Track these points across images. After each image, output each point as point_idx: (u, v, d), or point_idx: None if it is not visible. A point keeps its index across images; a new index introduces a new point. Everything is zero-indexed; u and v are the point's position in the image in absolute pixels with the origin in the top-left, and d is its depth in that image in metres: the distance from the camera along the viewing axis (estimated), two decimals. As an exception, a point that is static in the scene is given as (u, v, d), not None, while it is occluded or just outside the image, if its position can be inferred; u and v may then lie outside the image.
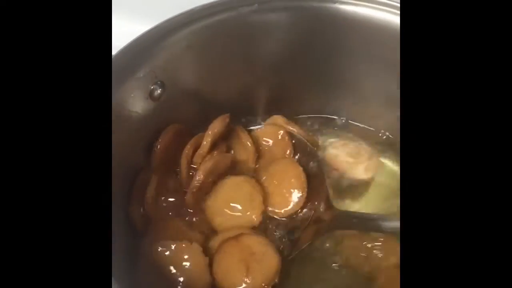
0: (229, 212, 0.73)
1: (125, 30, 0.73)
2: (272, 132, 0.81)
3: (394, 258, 0.70)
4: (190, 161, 0.74)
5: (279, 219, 0.75)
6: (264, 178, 0.77)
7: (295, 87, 0.83)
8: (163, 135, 0.73)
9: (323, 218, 0.73)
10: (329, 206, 0.73)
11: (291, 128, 0.81)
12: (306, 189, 0.74)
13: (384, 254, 0.71)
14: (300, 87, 0.84)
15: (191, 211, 0.74)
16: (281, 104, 0.86)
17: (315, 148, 0.82)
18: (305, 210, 0.75)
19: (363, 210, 0.79)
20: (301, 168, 0.75)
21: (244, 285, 0.64)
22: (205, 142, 0.73)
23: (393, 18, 0.71)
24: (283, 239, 0.73)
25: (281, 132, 0.80)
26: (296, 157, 0.80)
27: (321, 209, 0.74)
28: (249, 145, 0.78)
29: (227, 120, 0.75)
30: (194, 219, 0.74)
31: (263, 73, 0.81)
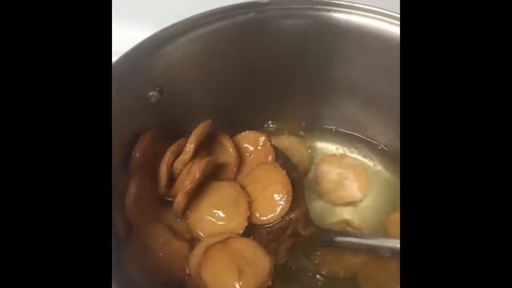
0: (213, 219, 0.71)
1: (125, 37, 0.76)
2: (253, 139, 0.81)
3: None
4: (170, 168, 0.72)
5: (264, 225, 0.73)
6: (247, 184, 0.76)
7: (290, 94, 0.84)
8: (141, 140, 0.71)
9: (301, 233, 0.73)
10: (308, 222, 0.74)
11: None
12: (291, 193, 0.73)
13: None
14: (295, 94, 0.85)
15: (176, 217, 0.72)
16: (276, 111, 0.89)
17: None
18: (290, 216, 0.74)
19: (355, 219, 0.81)
20: (284, 172, 0.74)
21: None
22: (188, 148, 0.71)
23: (386, 26, 0.74)
24: (269, 246, 0.71)
25: (263, 138, 0.80)
26: (278, 162, 0.78)
27: (299, 226, 0.73)
28: (231, 150, 0.77)
29: (209, 125, 0.74)
30: (177, 227, 0.71)
31: (259, 80, 0.82)
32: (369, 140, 0.92)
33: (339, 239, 0.72)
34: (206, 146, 0.75)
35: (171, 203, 0.72)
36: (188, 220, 0.71)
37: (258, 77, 0.81)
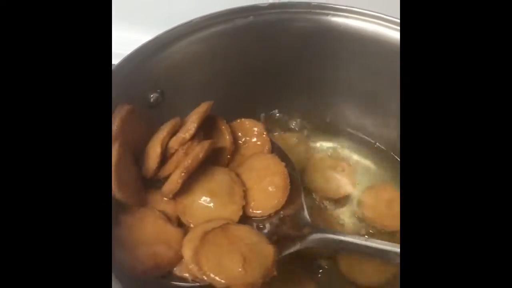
0: (205, 205, 0.67)
1: (126, 39, 0.77)
2: (249, 127, 0.78)
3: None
4: (165, 147, 0.67)
5: (257, 217, 0.70)
6: (242, 172, 0.73)
7: (289, 95, 0.85)
8: (116, 114, 0.66)
9: (295, 231, 0.70)
10: (304, 220, 0.71)
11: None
12: (289, 187, 0.70)
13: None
14: (294, 95, 0.85)
15: (166, 200, 0.67)
16: (275, 111, 0.89)
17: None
18: (285, 211, 0.71)
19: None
20: (283, 164, 0.72)
21: (242, 278, 0.58)
22: (190, 127, 0.67)
23: (384, 30, 0.77)
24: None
25: (259, 127, 0.77)
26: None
27: (294, 223, 0.70)
28: (228, 135, 0.73)
29: (211, 107, 0.71)
30: (167, 210, 0.67)
31: (259, 82, 0.83)
32: (367, 138, 0.93)
33: (338, 239, 0.68)
34: (201, 128, 0.71)
35: (157, 185, 0.68)
36: (178, 205, 0.67)
37: (257, 79, 0.82)
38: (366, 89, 0.83)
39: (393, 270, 0.72)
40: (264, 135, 0.77)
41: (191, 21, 0.76)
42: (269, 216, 0.69)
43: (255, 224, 0.68)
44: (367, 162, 0.91)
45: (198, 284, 0.60)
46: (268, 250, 0.61)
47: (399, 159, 0.89)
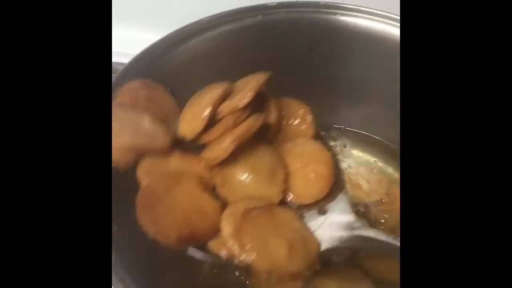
0: (246, 182, 0.62)
1: (136, 39, 0.77)
2: (294, 108, 0.73)
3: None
4: (214, 112, 0.63)
5: (295, 205, 0.65)
6: (285, 155, 0.68)
7: (297, 95, 0.84)
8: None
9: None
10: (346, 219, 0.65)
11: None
12: (333, 179, 0.66)
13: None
14: (302, 95, 0.85)
15: (204, 167, 0.62)
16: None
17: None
18: (323, 202, 0.66)
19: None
20: (330, 154, 0.68)
21: (286, 264, 0.54)
22: (247, 95, 0.62)
23: (392, 30, 0.77)
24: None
25: (304, 110, 0.73)
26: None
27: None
28: (275, 112, 0.69)
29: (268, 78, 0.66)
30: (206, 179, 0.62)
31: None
32: (375, 137, 0.93)
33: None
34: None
35: (194, 152, 0.64)
36: (216, 175, 0.62)
37: None
38: (375, 88, 0.82)
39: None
40: (309, 119, 0.73)
41: (200, 21, 0.76)
42: (308, 205, 0.65)
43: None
44: (374, 160, 0.90)
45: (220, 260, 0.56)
46: (313, 242, 0.58)
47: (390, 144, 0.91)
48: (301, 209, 0.65)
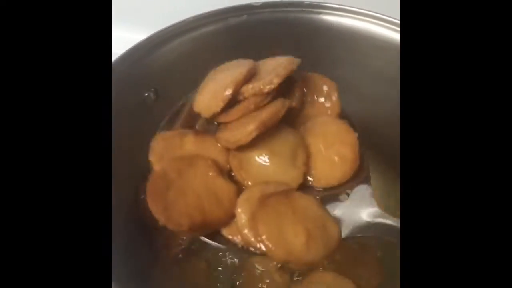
0: (264, 164, 0.59)
1: (120, 39, 0.76)
2: (319, 84, 0.69)
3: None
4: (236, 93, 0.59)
5: (316, 188, 0.62)
6: (306, 136, 0.64)
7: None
8: None
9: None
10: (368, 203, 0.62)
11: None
12: (358, 161, 0.62)
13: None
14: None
15: (219, 149, 0.60)
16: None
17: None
18: (346, 186, 0.62)
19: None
20: (356, 134, 0.64)
21: (304, 254, 0.52)
22: (274, 80, 0.58)
23: (376, 28, 0.78)
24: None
25: (330, 87, 0.68)
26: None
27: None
28: (298, 92, 0.65)
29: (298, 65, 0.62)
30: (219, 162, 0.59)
31: None
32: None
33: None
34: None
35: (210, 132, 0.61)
36: (233, 158, 0.59)
37: None
38: (359, 87, 0.82)
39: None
40: (335, 97, 0.68)
41: (184, 21, 0.76)
42: (329, 189, 0.62)
43: (315, 196, 0.60)
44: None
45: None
46: (333, 229, 0.55)
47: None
48: (322, 193, 0.61)
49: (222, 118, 0.59)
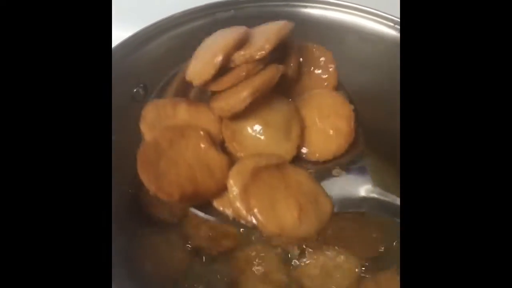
0: (257, 136, 0.58)
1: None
2: (316, 55, 0.67)
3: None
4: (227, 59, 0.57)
5: (310, 161, 0.61)
6: (301, 107, 0.63)
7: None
8: None
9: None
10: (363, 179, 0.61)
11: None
12: (353, 135, 0.62)
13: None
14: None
15: (212, 118, 0.59)
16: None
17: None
18: (341, 159, 0.62)
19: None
20: (352, 107, 0.63)
21: (296, 228, 0.51)
22: (266, 46, 0.56)
23: (361, 21, 0.80)
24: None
25: (326, 57, 0.67)
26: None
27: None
28: (293, 60, 0.63)
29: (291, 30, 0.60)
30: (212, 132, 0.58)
31: None
32: None
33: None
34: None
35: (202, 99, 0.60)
36: (225, 128, 0.58)
37: None
38: (344, 79, 0.82)
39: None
40: (331, 68, 0.67)
41: (171, 16, 0.77)
42: (323, 162, 0.61)
43: (308, 169, 0.60)
44: None
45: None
46: (326, 204, 0.54)
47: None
48: (316, 166, 0.61)
49: (214, 86, 0.58)
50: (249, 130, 0.58)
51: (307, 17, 0.81)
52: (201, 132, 0.56)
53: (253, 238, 0.73)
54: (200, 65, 0.59)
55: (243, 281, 0.72)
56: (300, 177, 0.55)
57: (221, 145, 0.58)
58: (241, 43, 0.58)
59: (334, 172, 0.60)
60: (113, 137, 0.48)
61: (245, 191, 0.52)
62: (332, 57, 0.67)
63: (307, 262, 0.69)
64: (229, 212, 0.53)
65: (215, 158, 0.55)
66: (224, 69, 0.57)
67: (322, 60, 0.67)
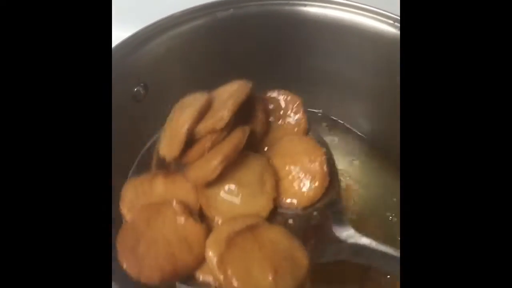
0: (232, 197, 0.58)
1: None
2: (284, 101, 0.68)
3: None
4: (191, 132, 0.59)
5: (290, 211, 0.62)
6: (273, 157, 0.64)
7: (270, 85, 0.83)
8: None
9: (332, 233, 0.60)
10: (342, 220, 0.61)
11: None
12: (328, 178, 0.61)
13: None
14: (276, 86, 0.84)
15: (188, 188, 0.60)
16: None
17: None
18: (319, 204, 0.62)
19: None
20: (323, 150, 0.63)
21: None
22: (224, 116, 0.57)
23: (360, 19, 0.81)
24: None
25: (297, 102, 0.68)
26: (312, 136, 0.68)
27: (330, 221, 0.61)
28: (260, 115, 0.64)
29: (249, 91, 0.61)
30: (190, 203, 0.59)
31: (240, 73, 0.81)
32: (348, 126, 0.97)
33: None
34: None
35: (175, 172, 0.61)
36: (201, 196, 0.59)
37: (239, 70, 0.80)
38: (345, 77, 0.84)
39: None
40: (301, 113, 0.68)
41: (171, 16, 0.79)
42: (304, 209, 0.61)
43: (287, 219, 0.60)
44: (345, 145, 0.95)
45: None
46: (302, 260, 0.54)
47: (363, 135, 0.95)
48: (296, 213, 0.61)
49: (185, 160, 0.60)
50: (223, 194, 0.59)
51: (306, 15, 0.82)
52: (176, 206, 0.57)
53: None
54: (168, 141, 0.60)
55: None
56: (274, 235, 0.55)
57: (199, 213, 0.59)
58: (203, 113, 0.60)
59: (313, 218, 0.60)
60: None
61: (221, 261, 0.53)
62: (299, 102, 0.68)
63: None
64: (210, 280, 0.54)
65: (192, 230, 0.56)
66: (191, 140, 0.59)
67: (289, 106, 0.68)
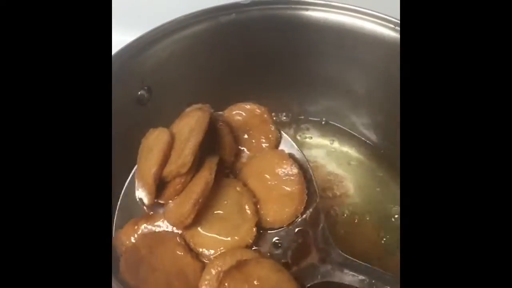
0: (215, 232, 0.59)
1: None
2: (249, 112, 0.68)
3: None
4: (159, 178, 0.59)
5: (274, 230, 0.62)
6: (248, 177, 0.64)
7: (273, 88, 0.89)
8: None
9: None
10: (325, 238, 0.61)
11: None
12: (305, 191, 0.61)
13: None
14: (278, 90, 0.91)
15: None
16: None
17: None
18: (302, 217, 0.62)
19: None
20: (296, 165, 0.62)
21: None
22: (186, 160, 0.57)
23: (361, 23, 0.81)
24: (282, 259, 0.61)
25: (261, 110, 0.68)
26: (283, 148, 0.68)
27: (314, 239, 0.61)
28: (228, 137, 0.63)
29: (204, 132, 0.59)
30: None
31: (243, 76, 0.86)
32: (349, 131, 0.97)
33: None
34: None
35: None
36: (186, 234, 0.60)
37: (241, 74, 0.86)
38: (346, 80, 0.84)
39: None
40: (270, 125, 0.67)
41: (174, 20, 0.79)
42: (289, 225, 0.62)
43: (273, 238, 0.61)
44: (346, 151, 0.95)
45: None
46: None
47: (366, 141, 0.96)
48: (281, 229, 0.62)
49: (164, 200, 0.60)
50: (206, 231, 0.59)
51: (308, 19, 0.83)
52: (177, 239, 0.58)
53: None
54: (141, 185, 0.60)
55: None
56: (262, 271, 0.56)
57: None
58: (168, 153, 0.59)
59: (296, 235, 0.61)
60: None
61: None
62: (266, 110, 0.68)
63: None
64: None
65: (190, 265, 0.57)
66: (164, 181, 0.60)
67: (257, 119, 0.68)
